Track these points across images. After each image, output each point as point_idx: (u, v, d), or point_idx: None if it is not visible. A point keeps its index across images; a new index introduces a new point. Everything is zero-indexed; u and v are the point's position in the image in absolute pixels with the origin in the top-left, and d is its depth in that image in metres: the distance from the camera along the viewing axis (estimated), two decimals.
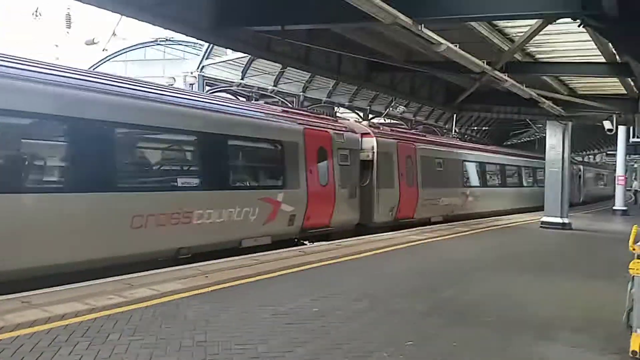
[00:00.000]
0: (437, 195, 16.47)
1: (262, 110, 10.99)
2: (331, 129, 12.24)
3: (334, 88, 25.47)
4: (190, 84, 20.14)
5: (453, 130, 33.33)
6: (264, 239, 9.74)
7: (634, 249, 4.55)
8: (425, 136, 18.05)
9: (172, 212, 8.01)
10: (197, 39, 10.32)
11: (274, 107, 12.51)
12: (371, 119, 30.22)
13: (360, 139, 13.38)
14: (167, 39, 28.59)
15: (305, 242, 11.01)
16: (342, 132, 12.59)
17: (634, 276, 4.53)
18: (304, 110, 13.52)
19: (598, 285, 7.42)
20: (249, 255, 8.57)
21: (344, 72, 12.77)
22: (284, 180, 10.49)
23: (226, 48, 16.55)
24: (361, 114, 29.61)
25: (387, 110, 30.28)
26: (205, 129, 8.88)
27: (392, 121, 33.79)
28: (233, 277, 6.86)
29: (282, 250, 9.22)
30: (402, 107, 29.63)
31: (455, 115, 31.17)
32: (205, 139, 8.88)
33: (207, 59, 21.02)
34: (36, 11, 13.74)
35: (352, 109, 29.08)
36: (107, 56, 32.24)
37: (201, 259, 8.05)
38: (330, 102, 26.73)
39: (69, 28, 12.19)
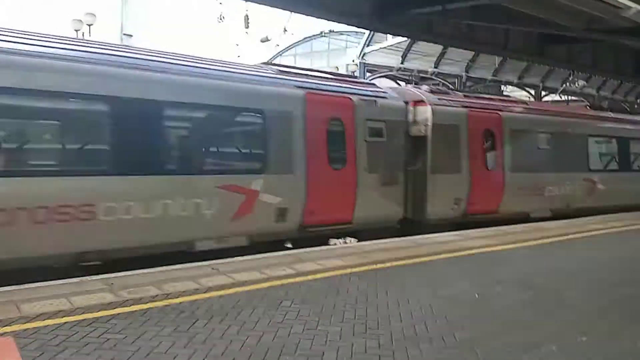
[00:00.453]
0: (539, 182, 12.20)
1: (234, 70, 8.23)
2: (355, 93, 9.24)
3: (500, 65, 23.92)
4: (352, 72, 20.80)
5: None
6: (234, 240, 7.51)
7: None
8: (522, 103, 13.38)
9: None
10: (359, 27, 10.67)
11: (265, 66, 9.35)
12: (544, 96, 27.65)
13: (408, 108, 10.17)
14: (330, 31, 29.88)
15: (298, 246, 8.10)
16: (373, 98, 9.50)
17: None
18: (318, 72, 10.25)
19: None
20: (407, 237, 8.63)
21: (512, 47, 11.97)
22: (266, 162, 7.90)
23: (387, 34, 16.72)
24: (532, 92, 27.27)
25: (564, 85, 27.38)
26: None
27: (570, 98, 30.47)
28: (392, 258, 7.03)
29: (440, 234, 9.08)
30: (581, 81, 26.51)
31: None
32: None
33: (368, 46, 21.47)
34: (220, 16, 15.54)
35: (521, 86, 26.96)
36: (279, 52, 34.96)
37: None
38: (496, 80, 25.17)
39: (247, 28, 13.56)
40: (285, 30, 17.59)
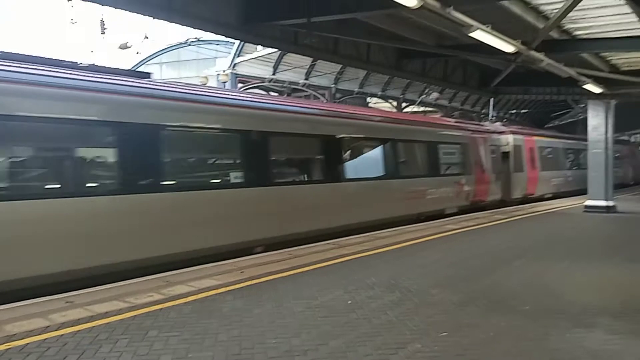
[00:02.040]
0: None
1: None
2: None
3: (365, 78, 25.28)
4: (223, 82, 20.43)
5: (490, 115, 32.50)
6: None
7: None
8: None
9: None
10: (226, 36, 10.45)
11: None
12: (404, 107, 29.82)
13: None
14: (198, 39, 29.11)
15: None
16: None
17: None
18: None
19: None
20: (283, 250, 8.64)
21: (374, 61, 12.66)
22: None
23: (255, 44, 16.71)
24: (395, 103, 29.25)
25: (421, 97, 29.78)
26: None
27: (426, 109, 33.23)
28: (267, 272, 6.94)
29: (315, 244, 9.24)
30: (435, 93, 29.09)
31: (492, 99, 30.34)
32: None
33: (238, 56, 21.26)
34: (72, 20, 14.24)
35: (384, 98, 28.77)
36: (143, 59, 33.13)
37: None
38: (362, 92, 26.56)
39: (104, 33, 12.59)
40: (146, 37, 16.69)
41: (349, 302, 5.62)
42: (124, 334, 4.55)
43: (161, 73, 31.74)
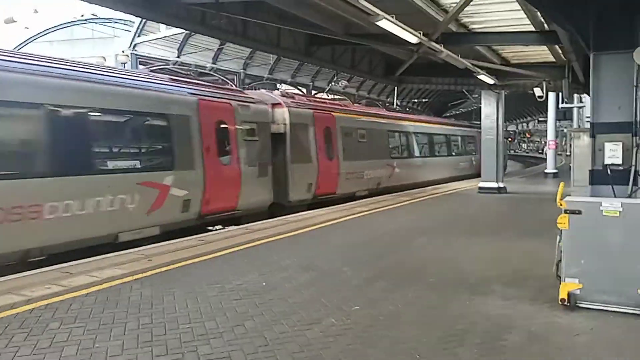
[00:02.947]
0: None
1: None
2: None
3: (275, 64, 25.17)
4: (123, 63, 19.26)
5: (395, 103, 33.90)
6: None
7: (561, 205, 4.85)
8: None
9: None
10: (126, 13, 9.84)
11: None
12: (315, 94, 30.18)
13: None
14: (94, 16, 27.07)
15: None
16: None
17: (561, 230, 4.85)
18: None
19: (529, 243, 7.89)
20: (196, 235, 8.43)
21: (284, 46, 12.61)
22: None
23: (158, 23, 15.90)
24: (304, 90, 29.48)
25: (330, 85, 30.28)
26: None
27: (335, 96, 33.87)
28: (178, 259, 6.75)
29: (229, 228, 9.13)
30: (344, 81, 29.76)
31: (396, 88, 31.68)
32: None
33: (139, 36, 20.13)
34: None
35: (294, 85, 28.88)
36: (31, 36, 30.23)
37: None
38: (272, 78, 26.43)
39: None
40: (35, 11, 15.24)
41: (264, 283, 5.64)
42: (20, 328, 4.20)
43: (53, 51, 29.10)
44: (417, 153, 20.65)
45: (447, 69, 14.05)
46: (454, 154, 24.55)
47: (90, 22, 28.13)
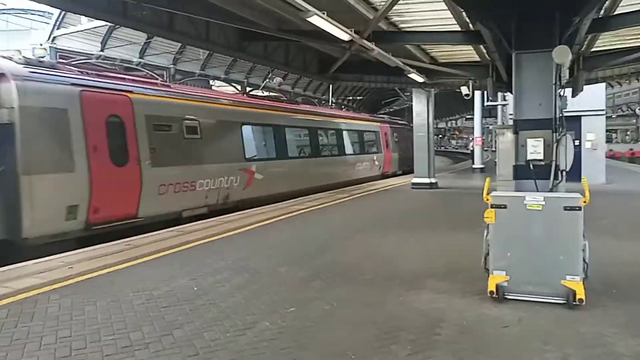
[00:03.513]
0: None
1: None
2: None
3: (207, 60, 24.53)
4: (40, 57, 17.95)
5: (330, 101, 34.15)
6: None
7: (487, 200, 5.00)
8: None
9: None
10: (41, 3, 9.11)
11: None
12: (249, 91, 29.74)
13: None
14: (4, 5, 25.11)
15: None
16: None
17: (488, 224, 4.99)
18: None
19: (460, 236, 8.14)
20: (121, 240, 7.97)
21: (214, 41, 12.23)
22: None
23: (76, 14, 14.95)
24: (239, 87, 28.97)
25: (265, 82, 29.96)
26: None
27: (270, 94, 33.56)
28: (101, 266, 6.33)
29: (158, 231, 8.72)
30: (278, 78, 29.55)
31: (331, 86, 31.88)
32: None
33: (59, 28, 18.87)
34: None
35: (228, 81, 28.31)
36: None
37: None
38: (205, 75, 25.74)
39: None
40: None
41: (195, 288, 5.40)
42: None
43: None
44: (293, 153, 15.83)
45: (379, 67, 14.27)
46: (348, 153, 19.82)
47: (2, 13, 26.06)
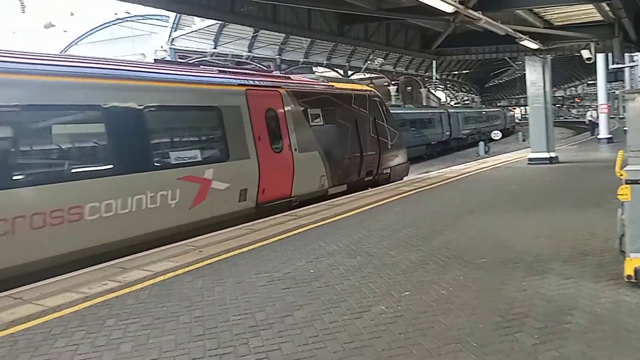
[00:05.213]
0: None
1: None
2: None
3: (310, 47, 24.99)
4: (162, 58, 19.57)
5: (434, 77, 33.02)
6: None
7: (621, 175, 4.53)
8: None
9: None
10: (157, 8, 9.94)
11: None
12: (351, 75, 29.78)
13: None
14: (128, 14, 27.64)
15: None
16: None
17: (623, 202, 4.53)
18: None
19: (587, 215, 7.49)
20: (241, 225, 8.51)
21: (315, 28, 12.43)
22: None
23: (189, 15, 16.02)
24: (341, 72, 29.15)
25: (366, 64, 29.79)
26: None
27: (371, 75, 33.33)
28: (226, 249, 6.81)
29: (274, 216, 9.17)
30: (380, 59, 29.20)
31: (434, 62, 30.76)
32: None
33: (175, 30, 20.40)
34: None
35: (330, 67, 28.60)
36: (74, 39, 31.26)
37: None
38: (308, 62, 26.27)
39: (24, 12, 11.67)
40: (72, 14, 15.66)
41: (312, 271, 5.61)
42: (79, 326, 4.34)
43: (96, 52, 30.00)
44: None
45: (487, 37, 13.48)
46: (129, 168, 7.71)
47: (128, 20, 28.75)
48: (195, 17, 19.43)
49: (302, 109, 10.79)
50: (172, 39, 20.50)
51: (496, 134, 32.06)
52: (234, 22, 11.67)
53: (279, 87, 10.40)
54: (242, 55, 22.86)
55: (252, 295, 4.93)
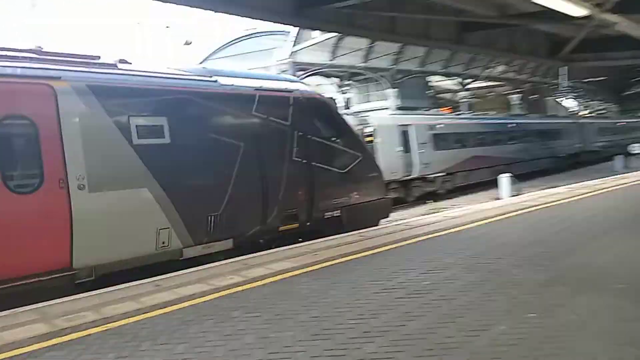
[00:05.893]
0: None
1: None
2: None
3: (426, 56, 24.63)
4: (282, 71, 20.65)
5: (563, 85, 30.64)
6: None
7: None
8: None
9: None
10: (281, 23, 10.55)
11: None
12: (469, 83, 28.76)
13: None
14: (255, 30, 29.54)
15: None
16: None
17: None
18: None
19: None
20: (355, 232, 8.64)
21: (434, 37, 12.27)
22: None
23: (309, 29, 16.71)
24: (460, 80, 28.32)
25: (486, 71, 28.55)
26: None
27: (491, 84, 31.83)
28: (341, 254, 6.97)
29: (387, 224, 9.18)
30: (502, 66, 27.81)
31: (564, 69, 28.56)
32: None
33: (295, 44, 21.40)
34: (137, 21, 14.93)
35: (448, 75, 27.91)
36: (210, 54, 34.19)
37: None
38: (422, 71, 25.90)
39: (188, 44, 13.13)
40: (207, 32, 17.15)
41: (426, 282, 5.52)
42: (209, 316, 4.74)
43: (226, 66, 32.58)
44: None
45: (626, 41, 12.26)
46: None
47: (254, 36, 30.80)
48: (313, 32, 20.22)
49: (114, 117, 6.50)
50: (292, 52, 21.52)
51: (636, 148, 28.76)
52: (353, 34, 12.00)
53: (56, 78, 6.12)
54: (359, 66, 23.24)
55: (366, 302, 4.98)
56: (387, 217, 10.21)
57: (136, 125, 6.65)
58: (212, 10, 8.71)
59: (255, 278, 5.91)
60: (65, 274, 5.94)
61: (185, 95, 7.28)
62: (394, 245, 7.44)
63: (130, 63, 7.33)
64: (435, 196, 20.04)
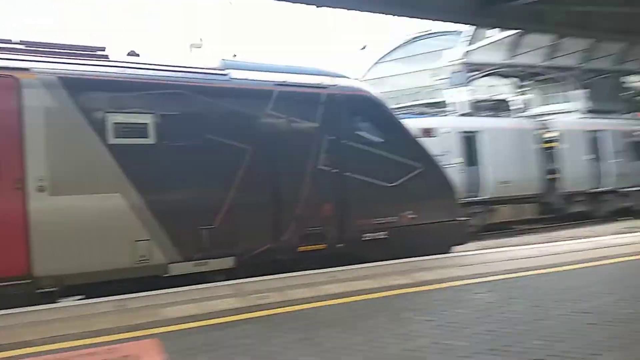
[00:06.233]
0: None
1: None
2: None
3: (622, 53, 21.64)
4: (454, 72, 20.08)
5: None
6: None
7: None
8: None
9: None
10: (464, 23, 10.18)
11: None
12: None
13: None
14: (428, 32, 29.26)
15: None
16: None
17: None
18: None
19: None
20: (534, 245, 7.97)
21: (636, 30, 10.64)
22: None
23: (495, 27, 15.88)
24: None
25: None
26: None
27: None
28: (517, 268, 6.53)
29: (579, 241, 8.29)
30: None
31: None
32: None
33: (470, 44, 20.59)
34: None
35: None
36: (379, 58, 35.05)
37: None
38: (617, 70, 22.85)
39: (364, 49, 13.70)
40: (379, 36, 17.45)
41: (630, 311, 4.80)
42: (380, 312, 4.83)
43: (395, 69, 33.03)
44: None
45: None
46: None
47: (429, 37, 30.62)
48: (487, 30, 19.24)
49: (87, 113, 5.92)
50: (466, 52, 20.73)
51: None
52: (541, 31, 11.04)
53: (23, 70, 5.73)
54: (538, 65, 21.47)
55: (551, 323, 4.52)
56: (463, 243, 8.36)
57: (113, 123, 5.97)
58: (393, 15, 8.75)
59: (424, 282, 5.88)
60: (24, 281, 5.45)
61: (178, 90, 6.41)
62: (583, 265, 6.68)
63: (138, 55, 6.95)
64: (631, 213, 17.50)
